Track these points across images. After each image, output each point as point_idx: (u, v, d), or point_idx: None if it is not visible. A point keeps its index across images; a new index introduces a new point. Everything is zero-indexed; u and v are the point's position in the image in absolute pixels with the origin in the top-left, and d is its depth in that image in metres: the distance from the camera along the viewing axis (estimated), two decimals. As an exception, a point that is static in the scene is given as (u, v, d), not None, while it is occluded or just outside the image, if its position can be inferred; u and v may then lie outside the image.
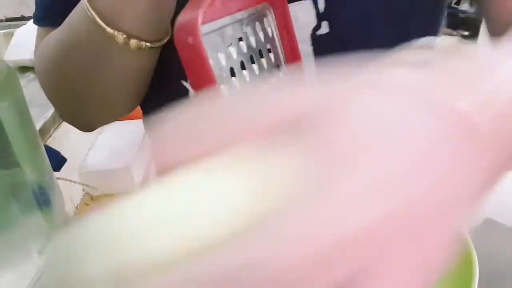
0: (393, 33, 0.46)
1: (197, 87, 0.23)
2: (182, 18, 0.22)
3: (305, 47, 0.43)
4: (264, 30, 0.29)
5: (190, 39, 0.22)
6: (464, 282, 0.30)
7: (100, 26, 0.31)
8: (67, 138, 1.77)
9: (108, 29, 0.31)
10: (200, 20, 0.22)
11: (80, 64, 0.36)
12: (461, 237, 0.16)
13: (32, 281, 0.37)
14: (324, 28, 0.42)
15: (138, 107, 0.59)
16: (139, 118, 0.63)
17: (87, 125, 0.45)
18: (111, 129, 2.32)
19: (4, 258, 0.35)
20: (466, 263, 0.30)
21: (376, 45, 0.45)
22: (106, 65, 0.35)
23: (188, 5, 0.23)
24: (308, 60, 0.44)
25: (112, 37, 0.31)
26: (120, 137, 2.20)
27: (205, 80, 0.23)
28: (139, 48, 0.32)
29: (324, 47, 0.43)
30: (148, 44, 0.32)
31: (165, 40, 0.33)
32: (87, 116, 0.42)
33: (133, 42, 0.31)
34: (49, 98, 0.42)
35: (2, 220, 0.35)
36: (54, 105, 0.43)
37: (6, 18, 1.90)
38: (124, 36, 0.31)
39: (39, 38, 0.44)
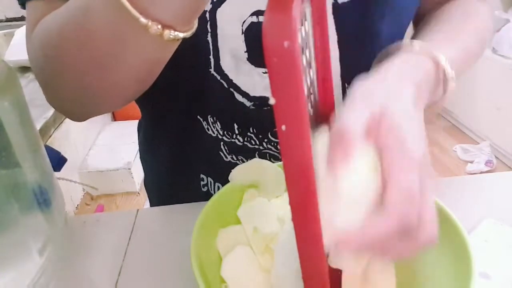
0: (412, 6, 0.47)
1: (283, 98, 0.20)
2: (272, 16, 0.19)
3: None
4: (303, 24, 0.26)
5: (286, 44, 0.18)
6: (462, 281, 0.30)
7: (132, 15, 0.28)
8: (67, 138, 1.78)
9: (142, 19, 0.28)
10: (298, 21, 0.19)
11: (95, 55, 0.32)
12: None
13: (32, 281, 0.37)
14: None
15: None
16: (139, 118, 0.64)
17: (82, 115, 0.42)
18: (111, 129, 2.32)
19: (4, 258, 0.35)
20: (464, 263, 0.30)
21: (398, 11, 0.46)
22: (126, 57, 0.32)
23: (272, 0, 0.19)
24: (329, 29, 0.44)
25: (144, 27, 0.28)
26: (120, 137, 2.20)
27: (293, 92, 0.20)
28: (174, 39, 0.30)
29: (345, 16, 0.44)
30: (181, 34, 0.30)
31: (195, 29, 0.31)
32: (88, 106, 0.40)
33: (167, 33, 0.29)
34: (43, 87, 0.39)
35: (2, 220, 0.35)
36: (48, 94, 0.39)
37: (6, 18, 1.91)
38: (159, 26, 0.28)
39: (33, 16, 0.40)
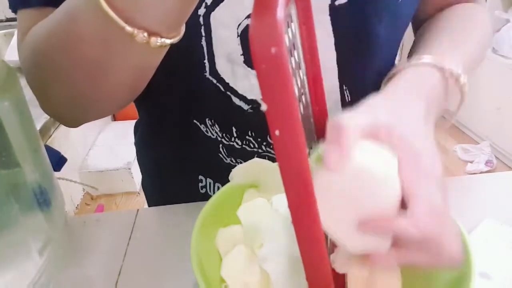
0: (410, 9, 0.47)
1: (274, 103, 0.20)
2: (258, 22, 0.18)
3: (323, 17, 0.43)
4: (289, 26, 0.26)
5: (273, 50, 0.18)
6: (462, 281, 0.30)
7: (117, 24, 0.28)
8: (67, 138, 1.78)
9: (128, 28, 0.28)
10: (284, 26, 0.19)
11: (83, 63, 0.32)
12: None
13: (32, 281, 0.37)
14: None
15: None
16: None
17: (76, 121, 0.42)
18: (111, 129, 2.32)
19: (4, 258, 0.35)
20: (464, 263, 0.30)
21: (395, 13, 0.46)
22: (114, 63, 0.32)
23: (257, 5, 0.19)
24: (325, 30, 0.44)
25: (130, 36, 0.28)
26: (120, 137, 2.20)
27: (284, 97, 0.20)
28: (160, 46, 0.30)
29: (342, 17, 0.43)
30: (168, 41, 0.30)
31: (182, 35, 0.31)
32: (80, 112, 0.40)
33: (154, 40, 0.29)
34: (36, 94, 0.39)
35: (2, 220, 0.35)
36: (41, 101, 0.40)
37: (7, 18, 1.90)
38: (145, 34, 0.28)
39: (24, 24, 0.40)
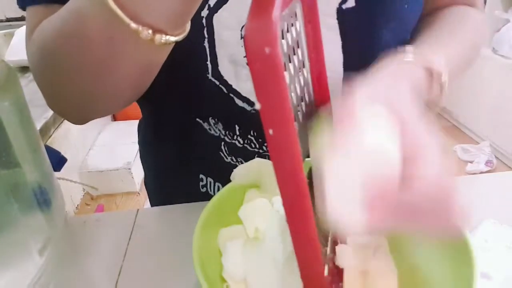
0: (417, 12, 0.47)
1: (267, 102, 0.20)
2: (253, 22, 0.19)
3: (331, 21, 0.43)
4: (293, 24, 0.26)
5: (267, 50, 0.18)
6: (464, 282, 0.30)
7: (122, 21, 0.28)
8: (67, 138, 1.78)
9: (133, 25, 0.28)
10: (279, 27, 0.19)
11: (89, 60, 0.33)
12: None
13: (32, 281, 0.37)
14: (351, 2, 0.43)
15: (139, 108, 0.59)
16: (139, 118, 0.64)
17: (81, 118, 0.43)
18: (111, 129, 2.32)
19: (4, 258, 0.35)
20: (466, 263, 0.30)
21: (402, 18, 0.46)
22: (119, 61, 0.32)
23: (254, 5, 0.19)
24: (333, 34, 0.44)
25: (135, 32, 0.28)
26: (120, 137, 2.20)
27: (278, 96, 0.20)
28: (165, 43, 0.30)
29: (349, 20, 0.43)
30: (173, 38, 0.30)
31: (187, 32, 0.32)
32: (86, 110, 0.40)
33: (159, 38, 0.29)
34: (43, 91, 0.39)
35: (2, 220, 0.35)
36: (48, 98, 0.40)
37: (7, 18, 1.90)
38: (150, 31, 0.28)
39: (32, 21, 0.40)
